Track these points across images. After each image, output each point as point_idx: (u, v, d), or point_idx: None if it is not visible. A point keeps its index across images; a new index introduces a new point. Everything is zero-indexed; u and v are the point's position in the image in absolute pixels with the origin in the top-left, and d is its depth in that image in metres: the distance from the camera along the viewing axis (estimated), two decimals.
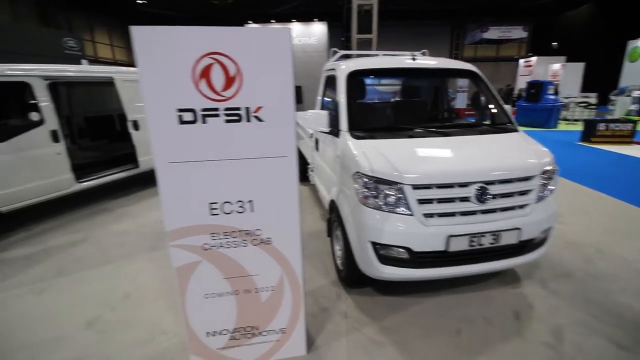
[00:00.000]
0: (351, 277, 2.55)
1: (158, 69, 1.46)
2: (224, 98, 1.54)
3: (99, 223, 4.10)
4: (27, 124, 3.75)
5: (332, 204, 2.75)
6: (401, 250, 2.11)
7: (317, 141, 3.67)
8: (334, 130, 2.69)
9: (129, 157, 5.06)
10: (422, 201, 2.08)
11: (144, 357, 2.05)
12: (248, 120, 1.58)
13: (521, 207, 2.23)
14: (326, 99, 3.89)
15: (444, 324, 2.28)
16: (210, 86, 1.51)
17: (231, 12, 29.50)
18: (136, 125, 4.92)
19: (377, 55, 3.75)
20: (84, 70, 4.60)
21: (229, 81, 1.52)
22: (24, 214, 4.05)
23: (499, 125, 2.85)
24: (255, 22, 11.92)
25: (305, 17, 12.96)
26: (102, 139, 5.87)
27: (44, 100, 3.89)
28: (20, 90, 3.88)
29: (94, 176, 4.53)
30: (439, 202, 2.11)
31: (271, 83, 1.56)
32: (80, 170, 4.35)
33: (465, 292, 2.59)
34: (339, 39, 17.70)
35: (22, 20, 21.93)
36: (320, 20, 11.03)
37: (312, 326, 2.24)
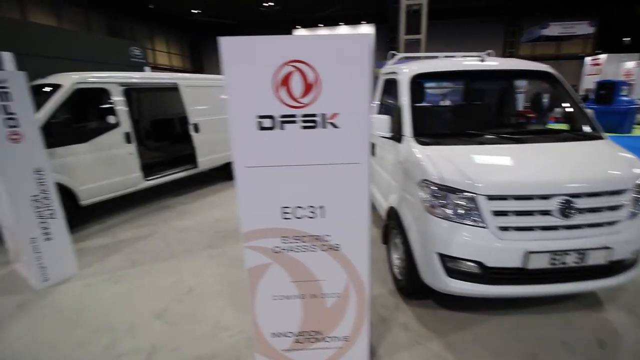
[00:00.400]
0: (411, 287, 2.47)
1: (242, 77, 1.52)
2: (301, 105, 1.56)
3: (163, 219, 4.40)
4: (105, 127, 4.14)
5: (391, 211, 2.68)
6: (472, 264, 1.99)
7: (373, 146, 3.61)
8: (396, 136, 2.62)
9: (189, 157, 5.38)
10: (497, 213, 1.95)
11: (211, 351, 2.14)
12: (323, 127, 1.59)
13: (611, 223, 2.01)
14: (384, 102, 3.80)
15: (515, 345, 2.11)
16: (290, 93, 1.54)
17: (278, 18, 30.44)
18: (197, 128, 5.22)
19: (436, 57, 3.60)
20: (153, 77, 4.98)
21: (307, 88, 1.54)
22: (98, 208, 4.46)
23: (582, 132, 2.60)
24: (303, 26, 12.10)
25: (352, 20, 12.93)
26: (164, 140, 6.31)
27: (120, 105, 4.27)
28: (100, 96, 4.30)
29: (159, 175, 4.88)
30: (516, 215, 1.96)
31: (348, 90, 1.56)
32: (147, 169, 4.71)
33: (539, 313, 2.38)
34: (385, 41, 17.39)
35: (93, 30, 24.34)
36: (367, 22, 10.91)
37: (372, 336, 2.19)
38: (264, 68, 1.51)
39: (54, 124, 3.59)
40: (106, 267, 3.20)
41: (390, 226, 2.76)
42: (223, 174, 6.18)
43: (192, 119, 5.17)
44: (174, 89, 5.02)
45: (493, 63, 2.86)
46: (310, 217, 1.71)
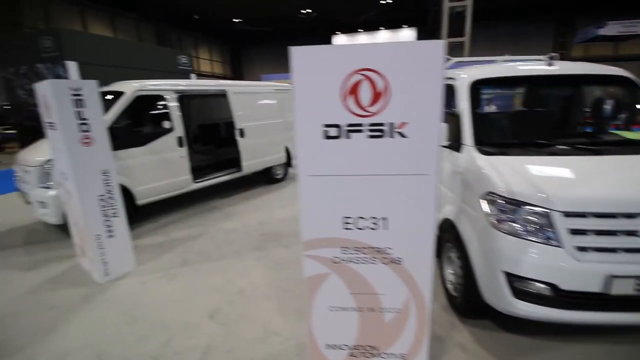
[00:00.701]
0: (468, 305, 2.33)
1: (310, 86, 1.51)
2: (369, 114, 1.52)
3: (212, 220, 4.56)
4: (161, 131, 4.38)
5: (445, 223, 2.56)
6: (543, 286, 1.83)
7: None
8: (454, 144, 2.51)
9: (234, 161, 5.56)
10: (574, 232, 1.79)
11: (263, 356, 2.15)
12: (391, 137, 1.54)
13: None
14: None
15: None
16: (357, 102, 1.51)
17: (316, 24, 30.86)
18: (242, 133, 5.38)
19: (494, 61, 3.42)
20: (204, 84, 5.21)
21: (376, 97, 1.50)
22: (153, 207, 4.71)
23: None
24: (342, 32, 12.14)
25: (392, 24, 12.73)
26: (211, 144, 6.57)
27: (174, 111, 4.50)
28: (156, 102, 4.56)
29: (207, 178, 5.08)
30: (596, 235, 1.78)
31: (419, 98, 1.50)
32: (195, 172, 4.91)
33: (617, 344, 2.15)
34: None
35: (144, 39, 26.10)
36: (409, 26, 10.71)
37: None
38: (333, 76, 1.49)
39: (116, 128, 3.85)
40: (160, 265, 3.35)
41: (444, 239, 2.64)
42: (264, 177, 6.32)
43: (239, 124, 5.33)
44: (222, 95, 5.21)
45: (563, 67, 2.65)
46: (372, 229, 1.67)
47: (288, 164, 6.60)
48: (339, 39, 11.05)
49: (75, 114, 2.70)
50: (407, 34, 10.44)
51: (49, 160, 3.59)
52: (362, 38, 10.78)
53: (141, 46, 12.68)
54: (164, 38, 26.63)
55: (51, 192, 3.56)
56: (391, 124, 1.53)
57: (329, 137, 1.56)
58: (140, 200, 4.19)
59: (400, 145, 1.55)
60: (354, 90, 1.50)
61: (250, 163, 5.62)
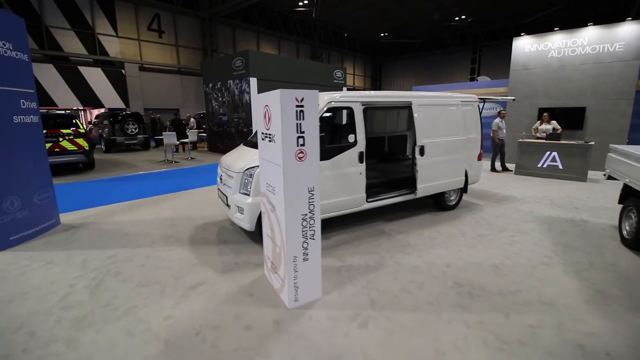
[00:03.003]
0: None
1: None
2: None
3: (385, 249, 4.00)
4: (346, 145, 4.09)
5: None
6: None
7: None
8: None
9: (408, 181, 4.92)
10: None
11: None
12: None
13: None
14: None
15: None
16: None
17: (469, 31, 28.18)
18: (422, 151, 4.68)
19: None
20: (391, 95, 4.74)
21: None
22: (323, 222, 4.49)
23: None
24: (527, 33, 10.16)
25: (568, 23, 9.97)
26: (385, 161, 6.17)
27: (359, 124, 4.16)
28: (342, 115, 4.32)
29: (379, 198, 4.57)
30: None
31: None
32: (368, 191, 4.47)
33: None
34: None
35: (301, 56, 29.06)
36: (595, 24, 8.03)
37: None
38: None
39: None
40: (346, 301, 2.92)
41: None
42: (431, 201, 5.46)
43: (420, 140, 4.66)
44: (405, 107, 4.65)
45: None
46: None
47: (464, 189, 5.55)
48: (522, 42, 9.24)
49: (296, 126, 2.50)
50: (628, 28, 7.82)
51: (251, 168, 3.70)
52: (557, 38, 8.68)
53: (305, 63, 13.81)
54: (316, 55, 29.18)
55: (250, 200, 3.64)
56: None
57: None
58: (321, 216, 3.96)
59: None
60: None
61: (427, 186, 4.86)
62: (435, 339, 2.44)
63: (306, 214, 2.68)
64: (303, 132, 2.53)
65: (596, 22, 10.73)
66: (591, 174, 7.80)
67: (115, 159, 11.87)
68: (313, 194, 2.68)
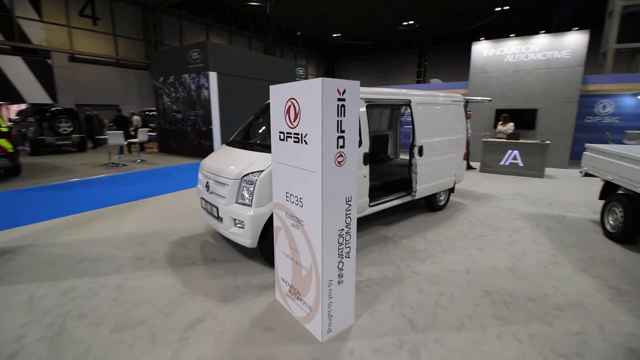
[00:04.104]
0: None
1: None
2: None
3: (397, 257, 3.72)
4: None
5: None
6: None
7: None
8: None
9: (405, 183, 4.72)
10: None
11: None
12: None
13: None
14: None
15: None
16: None
17: (415, 36, 29.62)
18: (421, 151, 4.51)
19: None
20: (392, 92, 4.46)
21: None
22: None
23: None
24: (486, 39, 10.73)
25: (498, 34, 10.93)
26: (383, 162, 5.91)
27: (363, 123, 3.82)
28: None
29: (380, 201, 4.29)
30: None
31: None
32: (370, 194, 4.16)
33: None
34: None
35: (253, 51, 27.91)
36: (581, 28, 8.85)
37: None
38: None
39: None
40: (381, 324, 2.55)
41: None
42: (420, 202, 5.36)
43: (419, 140, 4.48)
44: (403, 106, 4.43)
45: None
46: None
47: (452, 188, 5.53)
48: (481, 46, 9.71)
49: (337, 123, 2.06)
50: (573, 38, 8.61)
51: (251, 174, 3.14)
52: (512, 44, 9.25)
53: (267, 58, 13.09)
54: (269, 52, 28.35)
55: (251, 212, 3.08)
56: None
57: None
58: None
59: None
60: None
61: (424, 187, 4.70)
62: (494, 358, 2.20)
63: (343, 229, 2.26)
64: (343, 132, 2.11)
65: (520, 34, 11.77)
66: (546, 170, 8.45)
67: (45, 162, 10.05)
68: (350, 205, 2.27)
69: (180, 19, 21.50)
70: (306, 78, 14.53)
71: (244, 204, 3.17)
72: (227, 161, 3.55)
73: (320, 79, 1.94)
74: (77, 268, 3.47)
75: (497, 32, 21.37)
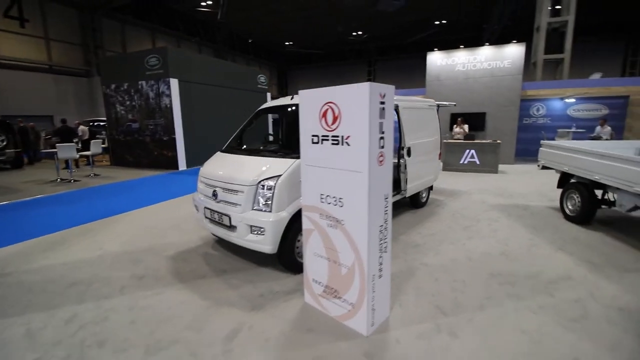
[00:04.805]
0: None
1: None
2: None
3: (401, 250, 3.95)
4: None
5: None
6: None
7: None
8: None
9: (395, 183, 4.99)
10: None
11: None
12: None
13: None
14: None
15: None
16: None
17: (365, 46, 31.08)
18: (409, 152, 4.82)
19: None
20: None
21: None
22: None
23: None
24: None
25: (446, 45, 12.25)
26: None
27: None
28: None
29: None
30: None
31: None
32: None
33: None
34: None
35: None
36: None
37: None
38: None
39: None
40: (414, 313, 2.71)
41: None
42: (406, 200, 5.70)
43: (407, 142, 4.79)
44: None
45: None
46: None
47: (431, 187, 5.96)
48: (435, 56, 10.59)
49: (379, 125, 2.19)
50: (513, 49, 9.79)
51: (268, 179, 3.12)
52: (462, 54, 10.23)
53: (230, 66, 12.77)
54: (221, 59, 27.64)
55: (272, 217, 3.06)
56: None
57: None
58: None
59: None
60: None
61: (412, 185, 5.02)
62: (521, 330, 2.47)
63: (382, 225, 2.39)
64: (383, 133, 2.25)
65: (466, 45, 13.15)
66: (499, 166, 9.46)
67: None
68: (387, 202, 2.41)
69: (124, 24, 20.12)
70: (267, 86, 14.46)
71: (262, 210, 3.14)
72: (235, 168, 3.48)
73: (368, 83, 2.06)
74: (70, 294, 3.12)
75: (437, 44, 23.46)
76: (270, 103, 4.25)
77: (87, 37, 17.94)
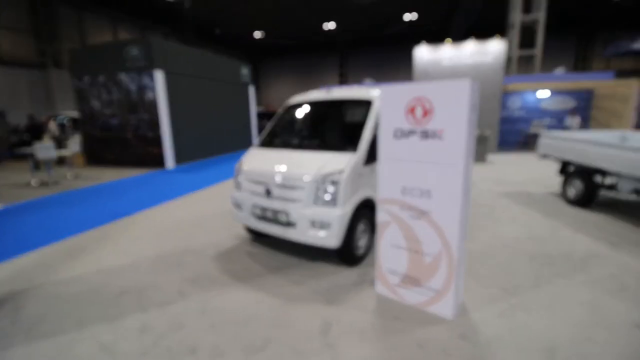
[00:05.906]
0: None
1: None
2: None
3: None
4: None
5: None
6: None
7: None
8: None
9: None
10: None
11: None
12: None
13: None
14: None
15: None
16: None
17: (338, 39, 31.13)
18: None
19: None
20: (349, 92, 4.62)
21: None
22: None
23: None
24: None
25: (419, 39, 12.79)
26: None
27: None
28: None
29: None
30: None
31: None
32: None
33: None
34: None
35: None
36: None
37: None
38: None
39: (373, 142, 3.38)
40: (481, 295, 2.89)
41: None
42: None
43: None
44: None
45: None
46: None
47: None
48: (422, 51, 10.93)
49: (473, 120, 2.29)
50: (495, 45, 10.36)
51: (330, 174, 3.12)
52: (447, 49, 10.66)
53: (214, 58, 12.16)
54: (205, 51, 26.36)
55: (339, 212, 3.06)
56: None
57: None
58: None
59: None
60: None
61: None
62: (579, 303, 2.75)
63: (465, 215, 2.51)
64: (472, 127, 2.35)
65: (428, 41, 13.59)
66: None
67: None
68: (470, 192, 2.53)
69: (81, 11, 18.46)
70: (249, 78, 14.08)
71: (326, 205, 3.13)
72: (288, 164, 3.42)
73: (467, 80, 2.14)
74: (124, 303, 2.93)
75: (412, 38, 24.13)
76: (305, 98, 4.16)
77: (38, 25, 16.26)
